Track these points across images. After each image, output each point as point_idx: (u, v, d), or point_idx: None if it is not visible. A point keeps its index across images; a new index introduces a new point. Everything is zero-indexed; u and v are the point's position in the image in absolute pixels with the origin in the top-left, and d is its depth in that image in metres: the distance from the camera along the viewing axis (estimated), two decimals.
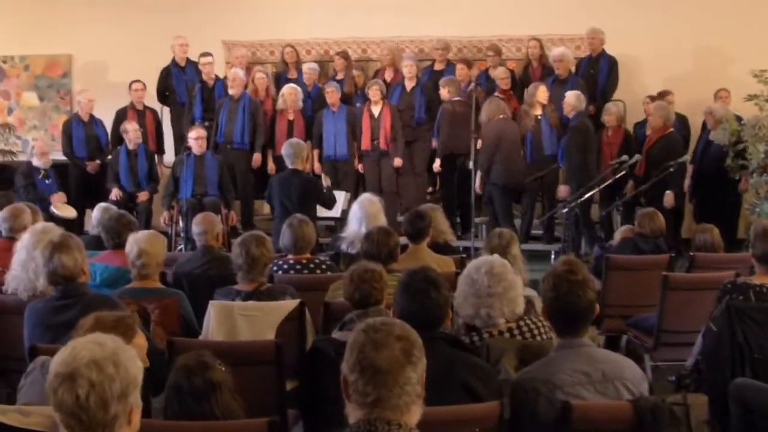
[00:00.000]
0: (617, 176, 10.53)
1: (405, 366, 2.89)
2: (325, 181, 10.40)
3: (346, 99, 12.67)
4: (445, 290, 4.16)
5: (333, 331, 4.97)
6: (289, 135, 12.04)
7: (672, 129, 11.04)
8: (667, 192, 10.77)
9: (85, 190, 12.39)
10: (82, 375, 2.75)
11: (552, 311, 4.04)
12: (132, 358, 2.88)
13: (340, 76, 13.22)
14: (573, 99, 11.17)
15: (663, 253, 8.16)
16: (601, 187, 10.55)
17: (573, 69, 12.57)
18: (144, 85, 12.87)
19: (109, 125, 12.88)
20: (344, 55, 13.42)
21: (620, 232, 9.06)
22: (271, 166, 12.52)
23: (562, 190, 11.21)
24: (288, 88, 12.49)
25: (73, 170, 12.67)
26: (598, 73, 12.52)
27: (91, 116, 12.79)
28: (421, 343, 2.99)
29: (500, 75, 12.36)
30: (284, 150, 10.07)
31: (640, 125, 12.26)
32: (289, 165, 9.93)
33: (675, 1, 13.17)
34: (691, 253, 8.12)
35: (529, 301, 4.87)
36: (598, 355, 4.02)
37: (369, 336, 2.92)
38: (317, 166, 12.25)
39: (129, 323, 3.98)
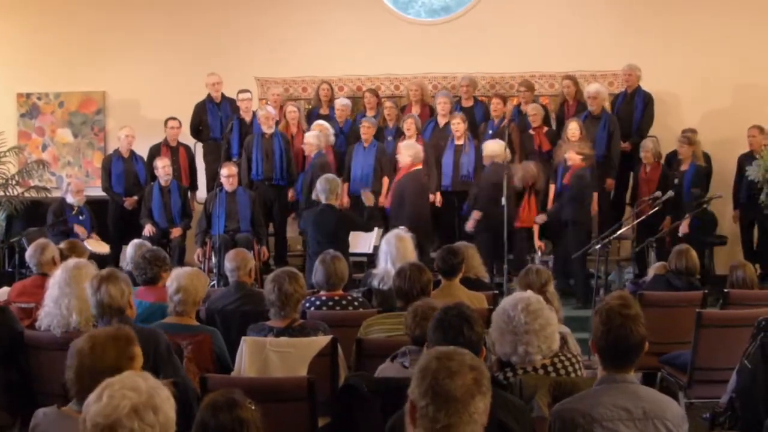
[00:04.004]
0: (651, 212, 10.46)
1: (476, 395, 2.91)
2: (368, 201, 10.37)
3: (377, 133, 12.60)
4: (479, 327, 4.14)
5: (388, 359, 4.96)
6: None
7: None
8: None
9: (123, 226, 12.42)
10: (124, 426, 2.73)
11: (602, 345, 3.96)
12: (167, 398, 2.87)
13: (370, 113, 13.20)
14: (576, 157, 11.20)
15: (696, 289, 8.10)
16: (635, 222, 10.53)
17: (607, 105, 12.54)
18: (179, 122, 12.95)
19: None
20: (374, 92, 13.46)
21: (653, 269, 9.02)
22: None
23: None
24: (316, 125, 12.45)
25: (111, 206, 12.73)
26: (633, 110, 12.49)
27: (132, 152, 12.89)
28: (489, 375, 3.01)
29: (531, 111, 12.35)
30: (318, 185, 9.95)
31: (671, 155, 12.22)
32: (323, 200, 9.85)
33: (710, 38, 13.17)
34: (725, 290, 8.07)
35: (562, 338, 4.84)
36: (641, 393, 3.96)
37: (443, 363, 2.94)
38: (346, 200, 12.12)
39: (125, 334, 3.94)
